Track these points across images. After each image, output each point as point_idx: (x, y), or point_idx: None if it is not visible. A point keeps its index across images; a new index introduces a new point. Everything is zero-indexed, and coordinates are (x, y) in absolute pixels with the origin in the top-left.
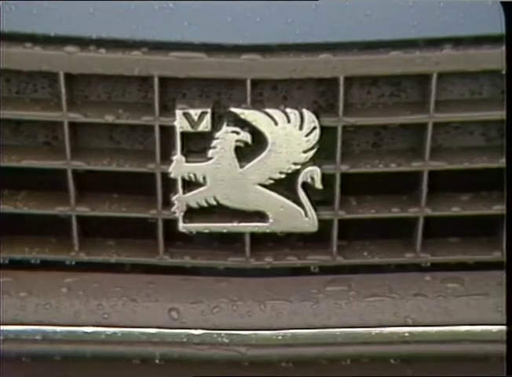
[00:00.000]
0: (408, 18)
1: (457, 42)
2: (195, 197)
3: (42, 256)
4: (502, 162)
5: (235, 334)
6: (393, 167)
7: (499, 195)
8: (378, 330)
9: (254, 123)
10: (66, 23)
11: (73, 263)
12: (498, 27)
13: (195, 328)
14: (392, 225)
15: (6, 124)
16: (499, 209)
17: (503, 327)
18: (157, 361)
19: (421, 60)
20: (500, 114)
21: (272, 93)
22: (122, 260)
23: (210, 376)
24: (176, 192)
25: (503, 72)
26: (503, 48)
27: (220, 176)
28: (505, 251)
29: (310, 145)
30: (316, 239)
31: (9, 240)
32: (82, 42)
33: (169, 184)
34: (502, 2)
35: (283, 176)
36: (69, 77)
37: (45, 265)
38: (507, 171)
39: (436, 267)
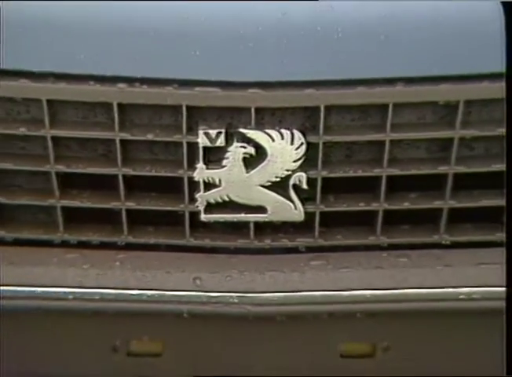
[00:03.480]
0: (372, 61)
1: (407, 80)
2: (213, 195)
3: (100, 238)
4: (440, 169)
5: (243, 296)
6: (360, 173)
7: (438, 194)
8: (348, 293)
9: (257, 140)
10: (117, 65)
11: (123, 244)
12: (439, 68)
13: (213, 292)
14: (359, 215)
15: (75, 141)
16: (438, 204)
17: (439, 290)
18: (185, 315)
19: (381, 93)
20: (438, 134)
21: (270, 117)
22: (159, 242)
23: (222, 329)
24: (199, 191)
25: (440, 103)
26: (443, 85)
27: (231, 179)
28: (505, 251)
29: (298, 156)
30: (303, 227)
31: (78, 227)
32: (130, 80)
33: (193, 185)
34: (502, 2)
35: (278, 179)
36: (120, 106)
37: (103, 245)
38: (507, 171)
39: (391, 247)
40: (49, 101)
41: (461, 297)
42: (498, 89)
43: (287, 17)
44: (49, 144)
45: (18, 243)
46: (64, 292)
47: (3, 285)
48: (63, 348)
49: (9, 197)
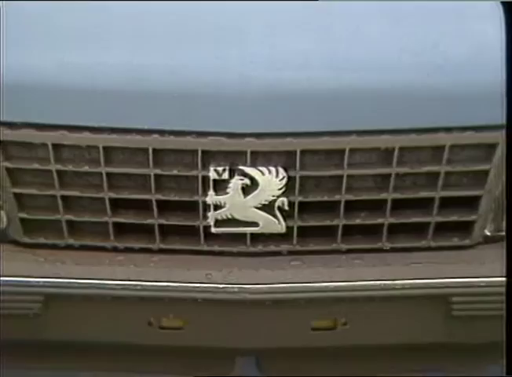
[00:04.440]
0: (334, 117)
1: (359, 132)
2: (220, 214)
3: (140, 245)
4: (381, 195)
5: (242, 286)
6: (326, 198)
7: (381, 213)
8: (317, 284)
9: (251, 174)
10: (152, 120)
11: (157, 249)
12: (381, 123)
13: (220, 283)
14: (325, 228)
15: (122, 175)
16: (381, 220)
17: (381, 282)
18: (199, 301)
19: (339, 141)
20: (380, 170)
21: (262, 158)
22: (181, 247)
23: (226, 310)
24: (210, 211)
25: (382, 149)
26: (383, 136)
27: (233, 202)
28: (505, 250)
29: (282, 186)
30: (285, 236)
31: (124, 236)
32: (161, 132)
33: (206, 206)
34: (502, 2)
35: (267, 202)
36: (154, 150)
37: (142, 250)
38: (507, 170)
39: (348, 251)
40: (104, 147)
41: (396, 287)
42: (423, 139)
43: (274, 87)
44: (104, 177)
45: (82, 248)
46: (115, 284)
47: (71, 278)
48: (112, 324)
49: (76, 215)
